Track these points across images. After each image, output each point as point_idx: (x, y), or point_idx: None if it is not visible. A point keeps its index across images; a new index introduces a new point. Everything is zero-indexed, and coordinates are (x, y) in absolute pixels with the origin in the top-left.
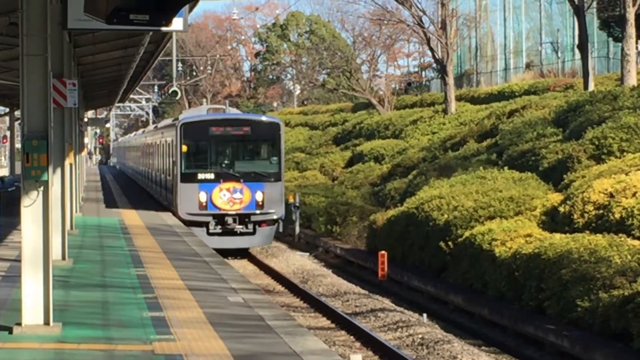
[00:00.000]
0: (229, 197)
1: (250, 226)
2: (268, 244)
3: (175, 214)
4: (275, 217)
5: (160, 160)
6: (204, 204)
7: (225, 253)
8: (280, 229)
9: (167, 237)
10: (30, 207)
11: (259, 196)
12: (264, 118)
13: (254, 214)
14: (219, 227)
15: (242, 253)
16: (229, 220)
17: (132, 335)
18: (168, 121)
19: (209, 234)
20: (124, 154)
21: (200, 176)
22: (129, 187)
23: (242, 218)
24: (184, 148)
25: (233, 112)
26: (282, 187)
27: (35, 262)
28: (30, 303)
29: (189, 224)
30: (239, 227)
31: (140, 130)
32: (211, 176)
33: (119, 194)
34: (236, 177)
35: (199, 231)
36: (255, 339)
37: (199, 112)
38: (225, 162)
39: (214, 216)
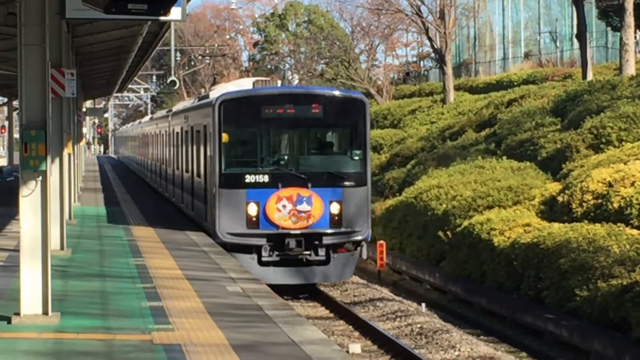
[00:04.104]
0: (290, 209)
1: (322, 252)
2: (347, 278)
3: (210, 233)
4: (358, 237)
5: (185, 154)
6: (255, 219)
7: (282, 290)
8: (365, 255)
9: (166, 227)
10: (28, 197)
11: (334, 208)
12: (340, 93)
13: (327, 234)
14: (277, 253)
15: (307, 290)
16: (291, 243)
17: (131, 325)
18: (186, 103)
19: (261, 263)
20: (129, 146)
21: (249, 178)
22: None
23: (310, 240)
24: (225, 137)
25: (292, 86)
26: (367, 194)
27: (34, 252)
28: (29, 293)
29: (231, 248)
30: (305, 254)
31: (147, 117)
32: (264, 178)
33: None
34: (301, 180)
35: (246, 259)
36: (254, 329)
37: (238, 87)
38: (285, 157)
39: (269, 237)
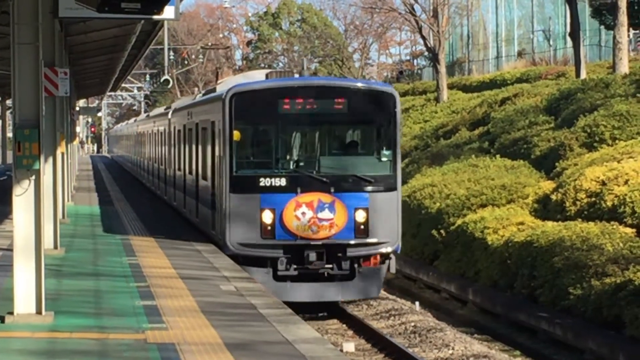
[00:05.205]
0: (310, 217)
1: (346, 265)
2: (375, 296)
3: (219, 243)
4: (386, 250)
5: (188, 154)
6: (270, 228)
7: (298, 307)
8: (393, 269)
9: (166, 231)
10: (22, 196)
11: (360, 216)
12: (366, 85)
13: (352, 246)
14: (295, 266)
15: (326, 307)
16: (311, 255)
17: (125, 324)
18: (188, 99)
19: (277, 277)
20: (124, 145)
21: (263, 182)
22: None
23: (333, 252)
24: (236, 135)
25: (313, 78)
26: (397, 200)
27: (27, 251)
28: (23, 292)
29: (243, 260)
30: (327, 267)
31: (144, 115)
32: (281, 182)
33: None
34: (323, 184)
35: (260, 273)
36: (248, 328)
37: (249, 79)
38: (305, 158)
39: (287, 249)
